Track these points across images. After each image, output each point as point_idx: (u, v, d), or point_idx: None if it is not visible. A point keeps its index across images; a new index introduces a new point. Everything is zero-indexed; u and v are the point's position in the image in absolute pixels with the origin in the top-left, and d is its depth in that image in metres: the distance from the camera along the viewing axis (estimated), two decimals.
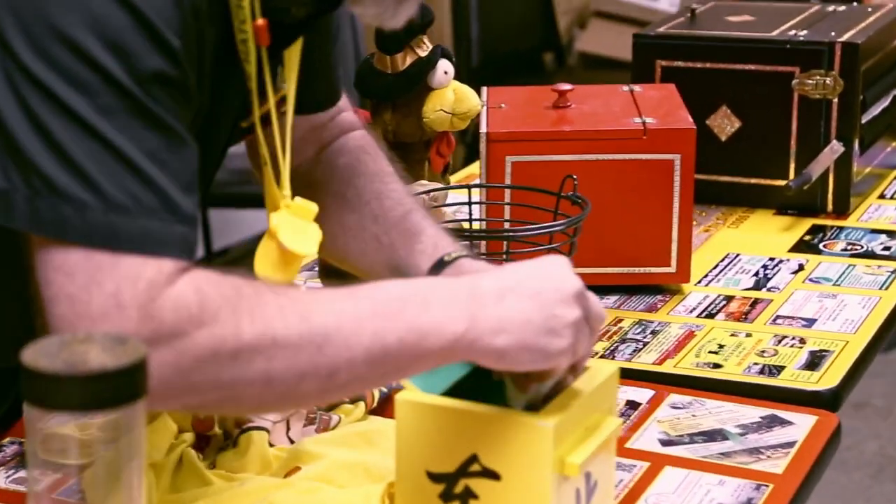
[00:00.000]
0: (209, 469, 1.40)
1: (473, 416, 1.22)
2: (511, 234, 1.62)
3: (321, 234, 1.37)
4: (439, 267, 1.40)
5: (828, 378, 1.63)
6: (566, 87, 1.92)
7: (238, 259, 4.57)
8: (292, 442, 1.45)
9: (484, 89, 2.02)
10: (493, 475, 1.21)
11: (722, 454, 1.47)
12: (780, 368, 1.66)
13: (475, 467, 1.22)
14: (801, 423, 1.53)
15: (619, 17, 4.93)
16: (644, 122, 1.83)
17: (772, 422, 1.54)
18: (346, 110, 1.59)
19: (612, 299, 1.87)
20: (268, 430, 1.43)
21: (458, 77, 1.88)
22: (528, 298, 1.18)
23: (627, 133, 1.83)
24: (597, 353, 1.70)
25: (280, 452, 1.42)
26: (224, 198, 4.37)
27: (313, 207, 1.37)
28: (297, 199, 1.37)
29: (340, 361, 1.14)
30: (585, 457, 1.21)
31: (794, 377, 1.64)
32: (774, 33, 2.24)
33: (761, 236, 2.14)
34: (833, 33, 2.21)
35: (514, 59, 4.87)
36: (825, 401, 1.59)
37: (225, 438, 1.45)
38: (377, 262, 1.47)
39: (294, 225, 1.35)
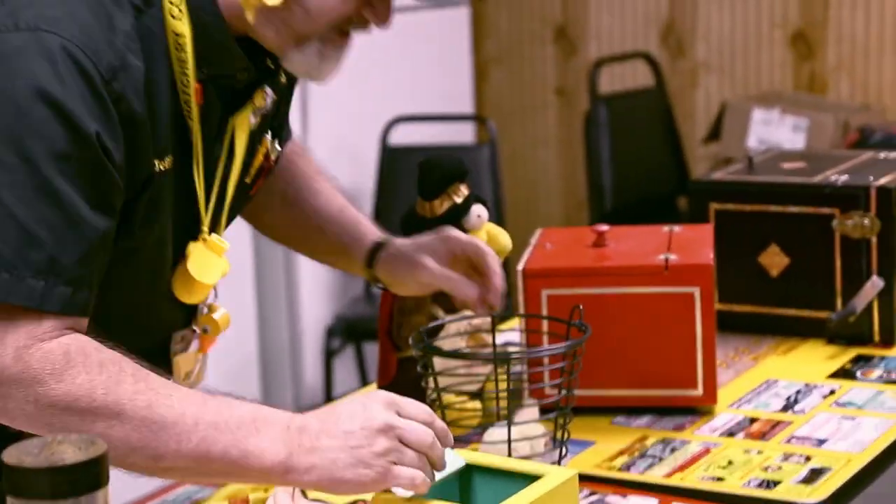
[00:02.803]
0: None
1: None
2: (513, 355, 1.70)
3: (228, 267, 1.55)
4: (378, 249, 1.71)
5: (819, 491, 1.66)
6: (604, 227, 2.01)
7: None
8: None
9: (538, 230, 2.12)
10: None
11: None
12: (777, 482, 1.69)
13: None
14: None
15: None
16: (667, 259, 1.90)
17: None
18: None
19: (644, 419, 1.93)
20: None
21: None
22: (338, 438, 1.32)
23: (650, 269, 1.90)
24: (614, 468, 1.76)
25: None
26: None
27: (224, 245, 1.55)
28: (213, 235, 1.54)
29: (167, 451, 1.30)
30: None
31: (788, 491, 1.67)
32: (818, 178, 2.29)
33: (806, 364, 2.17)
34: (871, 178, 2.25)
35: (646, 205, 4.92)
36: None
37: None
38: (320, 247, 1.78)
39: (204, 256, 1.53)
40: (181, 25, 1.41)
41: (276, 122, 1.65)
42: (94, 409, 1.28)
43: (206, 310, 1.61)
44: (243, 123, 1.54)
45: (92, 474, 1.04)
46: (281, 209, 1.78)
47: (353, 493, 1.33)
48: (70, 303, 1.31)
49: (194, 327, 1.61)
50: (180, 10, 1.42)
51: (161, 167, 1.42)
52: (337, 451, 1.31)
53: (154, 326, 1.56)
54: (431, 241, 1.74)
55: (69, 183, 1.30)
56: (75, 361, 1.29)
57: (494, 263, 1.73)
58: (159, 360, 1.55)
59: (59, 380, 1.28)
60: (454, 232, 1.70)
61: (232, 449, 1.31)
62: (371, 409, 1.34)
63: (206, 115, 1.48)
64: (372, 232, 1.80)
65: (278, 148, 1.65)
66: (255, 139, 1.57)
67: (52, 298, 1.30)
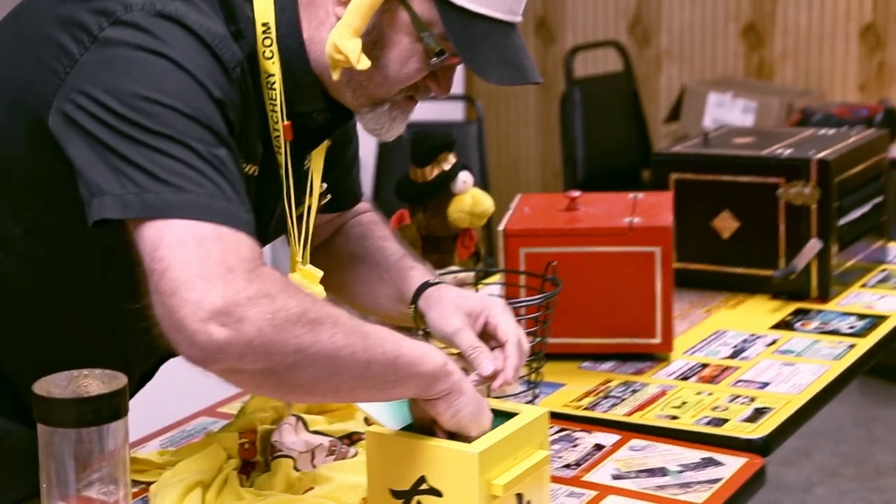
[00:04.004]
0: (248, 488, 1.48)
1: (421, 445, 1.28)
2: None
3: (323, 295, 1.45)
4: (428, 285, 1.55)
5: (761, 429, 1.64)
6: (576, 193, 1.98)
7: None
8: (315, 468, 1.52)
9: (518, 196, 2.09)
10: (437, 493, 1.27)
11: (658, 486, 1.49)
12: (724, 420, 1.67)
13: (424, 486, 1.27)
14: (731, 464, 1.55)
15: None
16: (631, 222, 1.88)
17: (707, 462, 1.56)
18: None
19: (608, 364, 1.91)
20: (294, 458, 1.50)
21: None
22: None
23: (616, 230, 1.87)
24: (581, 407, 1.74)
25: (302, 475, 1.49)
26: None
27: (318, 273, 1.48)
28: (308, 265, 1.48)
29: (374, 355, 1.22)
30: (509, 480, 1.25)
31: (734, 428, 1.65)
32: (765, 152, 2.26)
33: (752, 317, 2.15)
34: (812, 151, 2.23)
35: (614, 175, 4.89)
36: (756, 447, 1.60)
37: (265, 465, 1.53)
38: (380, 294, 1.61)
39: (302, 285, 1.42)
40: (272, 66, 1.35)
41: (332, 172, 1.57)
42: (320, 319, 1.17)
43: None
44: (318, 159, 1.48)
45: (114, 405, 1.02)
46: (351, 266, 1.64)
47: (462, 430, 1.32)
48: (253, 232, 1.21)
49: None
50: (272, 52, 1.35)
51: (248, 171, 1.36)
52: (474, 402, 1.32)
53: None
54: (476, 301, 1.54)
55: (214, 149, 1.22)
56: (286, 280, 1.20)
57: (514, 352, 1.50)
58: None
59: (289, 295, 1.16)
60: (500, 305, 1.53)
61: (412, 352, 1.25)
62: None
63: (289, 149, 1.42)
64: (427, 275, 1.61)
65: (328, 196, 1.57)
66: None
67: (245, 222, 1.19)
